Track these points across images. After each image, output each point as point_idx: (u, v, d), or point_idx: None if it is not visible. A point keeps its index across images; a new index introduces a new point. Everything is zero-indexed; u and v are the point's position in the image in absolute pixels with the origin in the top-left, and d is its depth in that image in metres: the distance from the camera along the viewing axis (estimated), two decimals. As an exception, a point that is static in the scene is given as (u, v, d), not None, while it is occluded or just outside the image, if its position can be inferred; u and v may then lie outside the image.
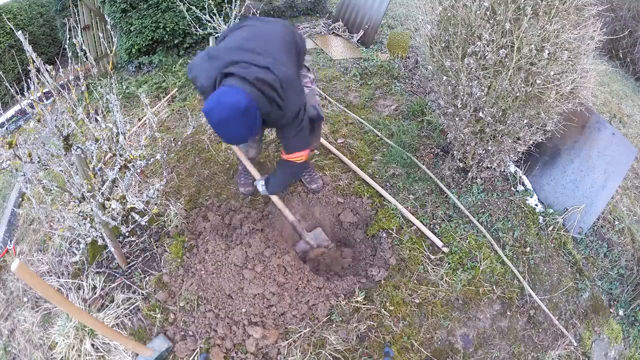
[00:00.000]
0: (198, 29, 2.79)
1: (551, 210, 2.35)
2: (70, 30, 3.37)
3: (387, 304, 1.88)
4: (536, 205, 2.37)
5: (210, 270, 1.95)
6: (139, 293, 1.93)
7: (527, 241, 2.18)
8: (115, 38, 4.10)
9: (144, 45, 4.12)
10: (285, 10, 4.90)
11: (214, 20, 2.57)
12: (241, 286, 1.89)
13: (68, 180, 1.68)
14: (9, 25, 4.65)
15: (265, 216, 2.28)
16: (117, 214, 1.72)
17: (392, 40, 3.92)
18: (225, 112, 1.35)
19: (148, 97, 3.56)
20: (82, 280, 1.99)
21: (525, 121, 2.01)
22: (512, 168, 2.47)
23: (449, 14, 1.99)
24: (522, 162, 2.47)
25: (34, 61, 1.55)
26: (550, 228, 2.27)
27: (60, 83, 1.81)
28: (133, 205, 1.70)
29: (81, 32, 2.06)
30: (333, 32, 4.45)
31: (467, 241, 2.12)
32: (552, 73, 1.79)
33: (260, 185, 2.04)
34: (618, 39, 4.76)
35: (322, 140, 2.69)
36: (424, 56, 2.28)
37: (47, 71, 1.61)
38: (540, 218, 2.31)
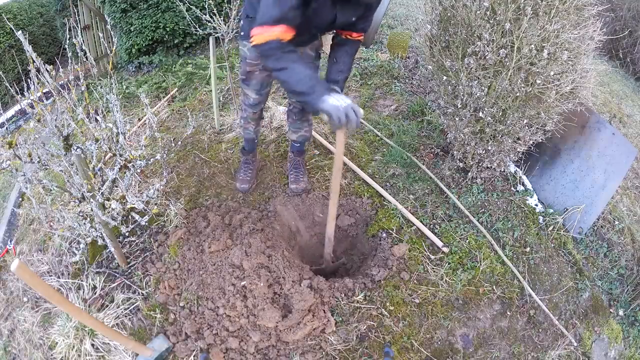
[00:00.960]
0: (198, 29, 2.78)
1: (551, 210, 2.35)
2: (70, 30, 3.37)
3: (387, 304, 1.88)
4: (536, 205, 2.37)
5: (210, 270, 1.95)
6: (139, 293, 1.93)
7: (527, 241, 2.18)
8: (115, 38, 4.11)
9: (144, 45, 4.12)
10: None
11: (214, 20, 2.57)
12: (241, 286, 1.89)
13: (68, 180, 1.68)
14: (9, 25, 4.66)
15: (265, 216, 2.27)
16: (117, 214, 1.72)
17: (392, 40, 3.91)
18: None
19: (148, 97, 3.56)
20: (82, 280, 1.99)
21: (525, 121, 2.01)
22: (512, 168, 2.47)
23: (449, 14, 1.99)
24: (522, 162, 2.47)
25: (34, 61, 1.55)
26: (550, 228, 2.27)
27: (60, 83, 1.81)
28: (133, 205, 1.70)
29: (81, 32, 2.06)
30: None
31: (467, 241, 2.12)
32: (552, 73, 1.79)
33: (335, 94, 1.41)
34: (618, 39, 4.75)
35: (322, 140, 2.70)
36: (424, 56, 2.28)
37: (47, 71, 1.61)
38: (540, 218, 2.31)
